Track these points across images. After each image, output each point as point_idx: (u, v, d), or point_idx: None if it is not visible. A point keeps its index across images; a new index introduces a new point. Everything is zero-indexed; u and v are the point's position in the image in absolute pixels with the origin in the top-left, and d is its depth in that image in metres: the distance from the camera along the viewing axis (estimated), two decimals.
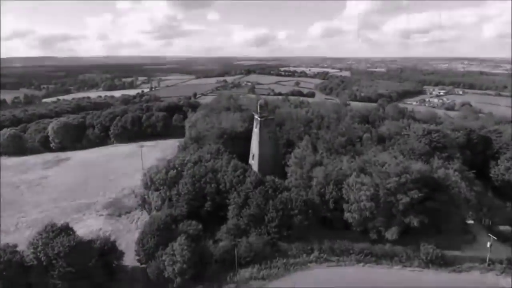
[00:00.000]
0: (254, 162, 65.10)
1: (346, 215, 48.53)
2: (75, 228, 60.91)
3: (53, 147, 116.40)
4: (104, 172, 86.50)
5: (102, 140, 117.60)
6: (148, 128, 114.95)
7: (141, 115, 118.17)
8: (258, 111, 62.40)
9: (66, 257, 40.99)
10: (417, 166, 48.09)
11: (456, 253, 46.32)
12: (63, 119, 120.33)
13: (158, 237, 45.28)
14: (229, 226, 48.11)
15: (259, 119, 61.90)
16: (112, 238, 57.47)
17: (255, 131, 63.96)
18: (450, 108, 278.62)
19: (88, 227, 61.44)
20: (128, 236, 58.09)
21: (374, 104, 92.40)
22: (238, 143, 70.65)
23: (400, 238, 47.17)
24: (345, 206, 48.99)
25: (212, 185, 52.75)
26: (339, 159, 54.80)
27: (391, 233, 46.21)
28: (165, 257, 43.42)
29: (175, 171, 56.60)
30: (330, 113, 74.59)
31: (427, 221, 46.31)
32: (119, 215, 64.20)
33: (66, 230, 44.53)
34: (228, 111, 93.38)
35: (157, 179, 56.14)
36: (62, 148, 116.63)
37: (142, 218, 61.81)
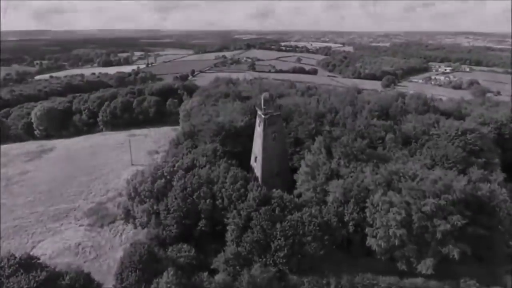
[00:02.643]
0: (257, 165, 56.01)
1: (370, 241, 40.06)
2: (50, 242, 54.10)
3: (38, 135, 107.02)
4: (89, 168, 77.61)
5: (90, 127, 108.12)
6: (140, 114, 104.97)
7: (132, 99, 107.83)
8: (262, 106, 52.54)
9: None
10: (461, 183, 38.98)
11: None
12: (47, 104, 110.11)
13: (140, 271, 36.96)
14: (227, 255, 39.65)
15: (263, 116, 52.17)
16: (92, 256, 50.17)
17: (258, 130, 54.40)
18: (457, 86, 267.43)
19: (64, 241, 53.27)
20: (110, 254, 49.98)
21: (391, 93, 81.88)
22: (238, 141, 61.25)
23: (434, 268, 38.96)
24: (368, 230, 40.44)
25: (207, 201, 43.94)
26: (359, 168, 45.59)
27: (426, 267, 37.86)
28: None
29: (163, 180, 47.61)
30: (345, 104, 64.56)
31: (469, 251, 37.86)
32: (101, 226, 55.88)
33: (27, 264, 36.01)
34: (227, 98, 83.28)
35: (143, 190, 47.26)
36: (47, 136, 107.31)
37: (127, 230, 53.56)
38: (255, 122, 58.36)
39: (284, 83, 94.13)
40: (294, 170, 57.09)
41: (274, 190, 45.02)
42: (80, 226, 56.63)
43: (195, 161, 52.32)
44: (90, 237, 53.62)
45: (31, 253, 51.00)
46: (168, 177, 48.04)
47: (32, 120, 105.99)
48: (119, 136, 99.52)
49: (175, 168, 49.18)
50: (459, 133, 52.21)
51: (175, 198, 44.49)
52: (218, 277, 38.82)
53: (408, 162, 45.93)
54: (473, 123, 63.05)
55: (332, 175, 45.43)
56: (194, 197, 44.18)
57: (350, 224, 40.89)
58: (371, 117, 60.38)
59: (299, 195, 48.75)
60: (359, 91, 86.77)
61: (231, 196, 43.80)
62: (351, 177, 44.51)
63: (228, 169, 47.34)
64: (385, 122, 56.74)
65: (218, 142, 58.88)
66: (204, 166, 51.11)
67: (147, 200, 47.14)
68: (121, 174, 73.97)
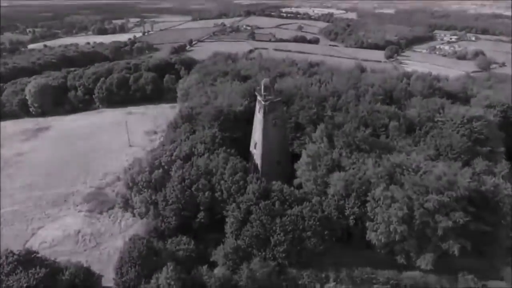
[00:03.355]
0: (256, 152, 54.88)
1: (370, 235, 39.80)
2: (49, 229, 54.12)
3: (33, 112, 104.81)
4: (87, 149, 76.47)
5: (86, 104, 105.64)
6: (137, 91, 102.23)
7: (128, 75, 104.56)
8: (262, 92, 50.49)
9: None
10: (465, 180, 38.02)
11: (502, 284, 38.52)
12: (41, 80, 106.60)
13: (139, 266, 36.94)
14: (227, 249, 39.50)
15: (263, 102, 50.29)
16: (92, 244, 50.33)
17: (258, 116, 52.69)
18: (462, 57, 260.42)
19: (64, 227, 53.26)
20: (110, 242, 50.11)
21: (396, 73, 78.96)
22: (237, 125, 59.74)
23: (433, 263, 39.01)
24: (369, 224, 40.07)
25: (206, 194, 43.22)
26: (362, 159, 44.48)
27: (425, 262, 37.87)
28: None
29: (161, 171, 46.67)
30: (348, 87, 62.30)
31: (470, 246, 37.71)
32: (101, 212, 55.67)
33: (26, 261, 35.81)
34: (226, 77, 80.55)
35: (140, 181, 46.44)
36: (43, 113, 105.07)
37: (126, 217, 53.35)
38: (254, 106, 56.55)
39: (285, 60, 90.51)
40: (295, 156, 56.18)
41: (274, 182, 44.21)
42: (79, 212, 56.46)
43: (193, 149, 51.12)
44: (89, 224, 53.57)
45: (31, 240, 51.99)
46: (166, 167, 47.08)
47: (27, 97, 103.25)
48: (116, 114, 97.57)
49: (173, 157, 48.08)
50: (465, 121, 50.57)
51: (173, 190, 43.75)
52: (218, 271, 38.96)
53: (412, 153, 44.76)
54: (479, 107, 61.70)
55: (334, 166, 44.43)
56: (192, 189, 43.41)
57: (351, 218, 40.42)
58: (374, 101, 58.41)
59: (299, 185, 48.06)
60: (363, 69, 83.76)
61: (230, 188, 43.05)
62: (353, 168, 43.53)
63: (227, 159, 46.23)
64: (389, 107, 54.89)
65: (217, 127, 57.31)
66: (203, 154, 50.00)
67: (145, 190, 46.38)
68: (119, 156, 73.03)
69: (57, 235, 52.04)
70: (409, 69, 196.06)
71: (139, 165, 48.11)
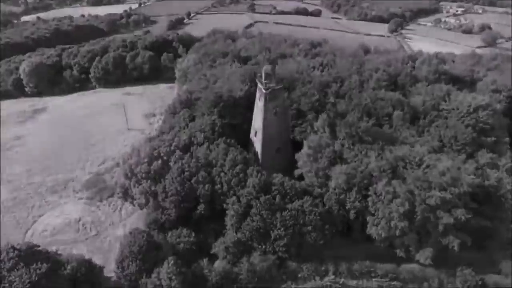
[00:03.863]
0: (257, 141, 53.98)
1: (371, 229, 39.76)
2: (50, 217, 54.14)
3: (29, 92, 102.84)
4: (84, 133, 75.38)
5: (82, 83, 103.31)
6: (134, 71, 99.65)
7: (124, 54, 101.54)
8: (263, 80, 48.83)
9: None
10: (469, 177, 37.43)
11: (499, 278, 38.92)
12: (35, 58, 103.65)
13: (140, 260, 37.13)
14: (227, 243, 39.59)
15: (264, 91, 48.76)
16: (93, 232, 50.57)
17: (259, 104, 51.30)
18: (468, 31, 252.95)
19: (65, 215, 53.34)
20: (111, 231, 50.34)
21: (401, 55, 76.46)
22: (237, 111, 58.37)
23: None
24: (369, 218, 39.94)
25: (206, 186, 42.78)
26: (364, 151, 43.70)
27: (425, 257, 38.07)
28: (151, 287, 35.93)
29: (160, 162, 45.97)
30: (351, 72, 60.37)
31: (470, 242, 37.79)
32: (100, 200, 55.56)
33: (27, 256, 35.83)
34: (225, 58, 78.09)
35: (139, 172, 45.88)
36: (39, 92, 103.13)
37: (126, 206, 53.22)
38: (255, 91, 55.02)
39: (286, 40, 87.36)
40: (295, 143, 55.39)
41: (274, 175, 43.64)
42: (79, 199, 56.37)
43: (192, 138, 50.18)
44: (89, 212, 53.61)
45: (32, 228, 52.24)
46: (165, 158, 46.33)
47: (21, 77, 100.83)
48: (113, 94, 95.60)
49: (172, 148, 47.23)
50: (471, 110, 49.28)
51: (173, 182, 43.27)
52: (218, 265, 39.27)
53: (415, 146, 43.90)
54: (485, 92, 60.27)
55: (335, 159, 43.73)
56: (192, 181, 42.92)
57: (352, 212, 40.23)
58: (378, 88, 56.78)
59: (300, 176, 47.59)
60: (367, 50, 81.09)
61: (230, 181, 42.58)
62: (355, 161, 42.86)
63: (227, 150, 45.42)
64: (393, 95, 53.30)
65: (216, 114, 56.00)
66: (202, 144, 49.13)
67: (144, 181, 45.92)
68: (118, 140, 72.21)
69: (58, 223, 52.19)
70: (413, 44, 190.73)
71: (138, 155, 47.33)
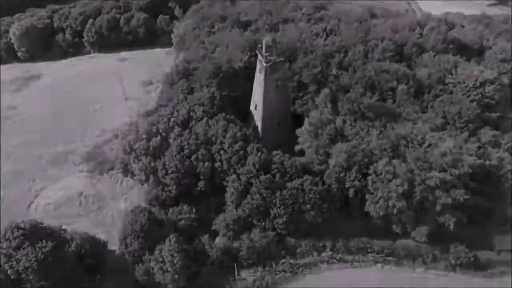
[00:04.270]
0: (257, 114, 53.08)
1: (369, 207, 40.25)
2: (52, 190, 54.74)
3: (21, 57, 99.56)
4: (81, 102, 73.82)
5: (76, 48, 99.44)
6: (128, 34, 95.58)
7: (118, 16, 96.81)
8: (264, 53, 46.85)
9: (37, 270, 34.51)
10: (471, 158, 37.11)
11: (492, 254, 40.09)
12: (25, 21, 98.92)
13: (142, 238, 38.00)
14: (227, 220, 40.27)
15: (264, 64, 46.98)
16: (96, 206, 51.41)
17: (259, 77, 49.68)
18: None
19: (67, 189, 54.05)
20: (113, 205, 51.23)
21: (409, 19, 72.45)
22: (236, 83, 56.72)
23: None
24: (368, 197, 40.30)
25: (206, 164, 42.64)
26: (366, 129, 43.05)
27: (420, 235, 38.99)
28: (153, 264, 37.13)
29: (159, 138, 45.46)
30: (356, 41, 57.73)
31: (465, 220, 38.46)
32: (101, 173, 55.85)
33: (32, 233, 36.49)
34: (224, 22, 74.44)
35: (138, 148, 45.53)
36: (31, 57, 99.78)
37: (127, 179, 53.52)
38: (255, 61, 53.14)
39: (288, 2, 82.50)
40: (296, 116, 54.61)
41: (274, 153, 43.33)
42: (80, 172, 56.67)
43: (191, 113, 49.22)
44: (91, 185, 54.15)
45: (35, 201, 53.02)
46: (163, 134, 45.74)
47: (12, 41, 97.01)
48: (109, 60, 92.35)
49: (170, 123, 46.46)
50: (477, 84, 47.82)
51: (172, 159, 43.10)
52: (219, 241, 40.26)
53: (418, 123, 43.15)
54: (494, 62, 58.30)
55: (336, 136, 43.15)
56: (192, 159, 42.72)
57: (351, 190, 40.48)
58: (383, 58, 54.67)
59: (301, 152, 47.35)
60: (373, 14, 76.77)
61: (230, 159, 42.35)
62: (356, 139, 42.35)
63: (227, 127, 44.67)
64: (398, 67, 51.37)
65: (215, 86, 54.44)
66: (201, 118, 48.28)
67: (144, 157, 45.72)
68: (115, 110, 70.95)
69: (60, 196, 52.92)
70: (422, 3, 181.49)
71: (136, 131, 46.69)
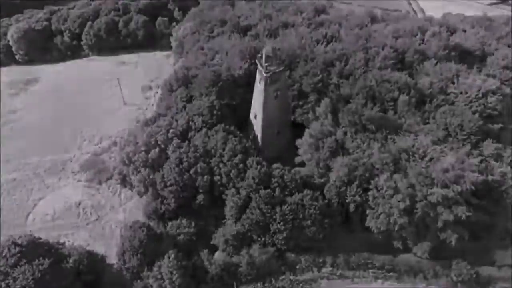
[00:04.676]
0: (256, 123, 52.56)
1: (370, 222, 39.85)
2: (50, 200, 54.23)
3: (19, 60, 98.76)
4: (80, 107, 73.29)
5: (75, 50, 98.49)
6: (127, 37, 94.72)
7: (117, 18, 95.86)
8: (264, 63, 46.22)
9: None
10: (474, 174, 36.61)
11: (493, 270, 39.73)
12: (23, 23, 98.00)
13: (141, 254, 37.64)
14: (227, 235, 39.87)
15: (264, 74, 46.37)
16: (94, 217, 51.01)
17: (259, 87, 49.09)
18: None
19: (65, 199, 53.57)
20: (111, 215, 50.81)
21: (411, 22, 71.31)
22: (236, 91, 56.26)
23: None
24: (369, 212, 39.88)
25: (205, 177, 42.18)
26: (367, 141, 42.52)
27: (422, 251, 38.69)
28: (152, 281, 36.82)
29: (157, 150, 44.97)
30: (357, 48, 57.03)
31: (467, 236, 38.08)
32: (99, 182, 55.38)
33: (29, 251, 36.12)
34: (224, 27, 73.64)
35: (137, 160, 45.06)
36: (30, 60, 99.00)
37: (125, 190, 53.06)
38: (254, 69, 52.61)
39: (289, 4, 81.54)
40: (296, 125, 54.16)
41: (274, 166, 42.86)
42: (78, 182, 56.22)
43: (190, 123, 48.72)
44: (89, 196, 53.70)
45: (33, 212, 52.63)
46: (162, 146, 45.24)
47: (10, 43, 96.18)
48: (107, 64, 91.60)
49: (169, 135, 45.94)
50: (480, 95, 47.27)
51: (171, 172, 42.62)
52: (218, 257, 39.88)
53: (420, 135, 42.63)
54: (496, 69, 57.78)
55: (337, 148, 42.65)
56: (191, 172, 42.24)
57: (352, 205, 40.06)
58: (385, 67, 54.01)
59: (301, 163, 46.93)
60: (374, 18, 75.78)
61: (229, 172, 41.88)
62: (357, 152, 41.85)
63: (226, 139, 44.12)
64: (399, 76, 50.71)
65: (215, 94, 53.82)
66: (200, 129, 47.80)
67: (142, 169, 45.26)
68: (114, 116, 70.43)
69: (58, 207, 52.47)
70: (424, 6, 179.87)
71: (134, 143, 46.18)
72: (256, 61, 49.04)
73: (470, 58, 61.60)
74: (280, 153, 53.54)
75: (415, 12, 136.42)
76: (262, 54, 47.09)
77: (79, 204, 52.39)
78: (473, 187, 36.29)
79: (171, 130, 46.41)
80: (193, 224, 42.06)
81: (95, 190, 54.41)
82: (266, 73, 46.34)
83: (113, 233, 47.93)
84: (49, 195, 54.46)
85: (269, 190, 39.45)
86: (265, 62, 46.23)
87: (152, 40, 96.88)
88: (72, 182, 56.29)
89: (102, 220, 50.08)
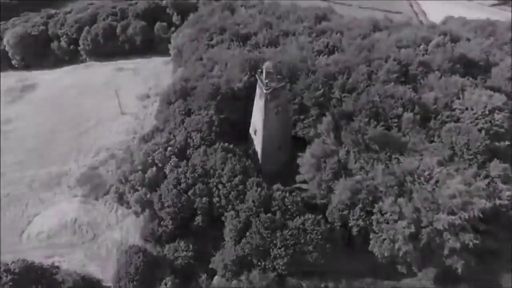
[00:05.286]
0: (256, 139, 51.33)
1: (373, 247, 38.69)
2: (45, 217, 52.96)
3: (16, 65, 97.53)
4: (76, 117, 71.98)
5: (72, 56, 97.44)
6: (125, 43, 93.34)
7: (115, 24, 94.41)
8: (264, 80, 44.90)
9: None
10: (482, 201, 35.40)
11: None
12: (20, 28, 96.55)
13: (137, 281, 36.51)
14: (226, 260, 38.71)
15: (264, 91, 45.05)
16: (90, 235, 49.85)
17: (259, 103, 47.80)
18: None
19: (60, 215, 52.24)
20: (108, 234, 49.56)
21: (414, 32, 69.60)
22: (236, 105, 55.06)
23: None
24: (373, 236, 38.69)
25: (203, 199, 40.98)
26: (371, 161, 41.32)
27: (427, 276, 37.47)
28: None
29: (154, 169, 43.74)
30: (359, 61, 55.70)
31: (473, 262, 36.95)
32: (96, 198, 54.12)
33: (22, 278, 34.97)
34: (223, 34, 72.20)
35: (133, 180, 43.84)
36: (26, 65, 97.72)
37: (122, 207, 51.83)
38: (254, 81, 51.26)
39: (290, 11, 80.00)
40: (297, 139, 53.06)
41: (275, 187, 41.68)
42: (74, 196, 54.97)
43: (188, 140, 47.48)
44: (85, 212, 52.38)
45: (28, 229, 51.46)
46: (159, 165, 44.01)
47: (7, 49, 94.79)
48: (105, 70, 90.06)
49: (167, 153, 44.69)
50: (486, 112, 46.00)
51: (169, 192, 41.42)
52: (217, 282, 38.78)
53: (424, 155, 41.42)
54: (501, 80, 56.66)
55: (340, 170, 41.42)
56: (189, 194, 41.04)
57: (355, 230, 38.90)
58: (388, 80, 52.70)
59: (303, 181, 45.81)
60: (376, 25, 74.34)
61: (229, 194, 40.66)
62: (360, 174, 40.64)
63: (226, 159, 42.85)
64: (403, 92, 49.38)
65: (214, 108, 52.53)
66: (199, 146, 46.56)
67: (139, 188, 44.05)
68: (111, 126, 68.99)
69: (53, 223, 51.24)
70: (422, 3, 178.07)
71: (131, 163, 44.95)
72: (256, 76, 47.71)
73: (475, 69, 60.26)
74: (280, 168, 52.54)
75: (416, 14, 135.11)
76: (262, 70, 45.79)
77: (75, 221, 51.14)
78: (481, 215, 35.07)
79: (169, 148, 45.17)
80: (191, 247, 40.83)
81: (91, 206, 53.17)
82: (267, 89, 45.01)
83: (110, 253, 46.80)
84: (44, 211, 53.25)
85: (269, 215, 38.19)
86: (266, 78, 44.89)
87: (150, 46, 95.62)
88: (68, 197, 55.03)
89: (98, 239, 48.86)
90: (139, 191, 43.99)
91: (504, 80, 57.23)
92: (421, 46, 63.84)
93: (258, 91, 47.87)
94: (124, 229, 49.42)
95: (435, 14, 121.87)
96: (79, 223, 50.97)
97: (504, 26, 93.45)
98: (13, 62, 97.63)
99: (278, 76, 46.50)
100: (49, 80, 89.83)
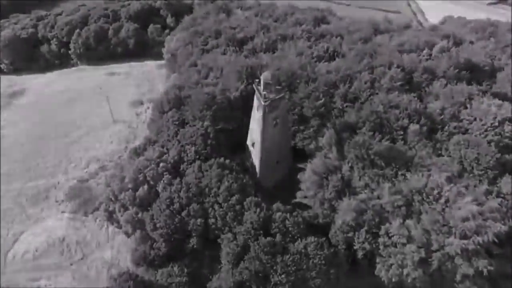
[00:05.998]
0: (254, 152, 48.67)
1: (380, 272, 36.34)
2: (32, 235, 50.01)
3: (5, 70, 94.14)
4: (66, 125, 69.03)
5: (63, 59, 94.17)
6: (118, 46, 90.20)
7: (107, 26, 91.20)
8: (262, 91, 42.25)
9: None
10: (496, 225, 33.07)
11: None
12: (9, 31, 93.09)
13: None
14: (223, 287, 36.16)
15: (262, 102, 42.40)
16: (79, 255, 47.12)
17: (257, 115, 45.14)
18: None
19: (48, 233, 49.45)
20: (98, 254, 46.81)
21: (417, 36, 66.99)
22: (232, 115, 52.36)
23: None
24: (379, 260, 36.32)
25: (198, 220, 38.37)
26: (376, 178, 38.87)
27: None
28: None
29: (146, 187, 41.04)
30: (361, 68, 53.21)
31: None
32: (85, 214, 51.35)
33: None
34: (218, 38, 69.44)
35: (123, 198, 41.14)
36: (15, 69, 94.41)
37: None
38: (251, 90, 48.55)
39: (287, 15, 77.21)
40: (297, 150, 50.59)
41: (274, 208, 39.09)
42: (62, 213, 52.12)
43: (182, 154, 44.81)
44: (74, 230, 49.59)
45: (14, 248, 48.60)
46: (151, 182, 41.32)
47: None
48: (96, 74, 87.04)
49: (159, 169, 42.00)
50: (496, 123, 43.72)
51: (161, 213, 38.79)
52: None
53: (433, 172, 39.00)
54: (507, 86, 54.58)
55: (343, 188, 38.96)
56: (183, 214, 38.43)
57: (360, 253, 36.52)
58: (392, 88, 50.29)
59: (305, 197, 43.32)
60: (376, 28, 71.81)
61: (225, 215, 38.10)
62: (365, 192, 38.20)
63: (222, 176, 40.22)
64: (408, 102, 47.00)
65: (209, 119, 49.89)
66: (193, 161, 43.92)
67: (130, 207, 41.38)
68: (103, 136, 66.12)
69: (40, 242, 48.38)
70: (422, 3, 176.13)
71: (121, 178, 42.20)
72: (254, 86, 45.02)
73: (479, 74, 58.09)
74: (280, 181, 50.10)
75: (414, 14, 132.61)
76: (260, 80, 43.15)
77: (63, 239, 48.36)
78: (496, 239, 32.78)
79: (161, 164, 42.48)
80: (185, 271, 38.25)
81: (80, 223, 50.38)
82: (265, 101, 42.36)
83: (100, 274, 44.18)
84: (30, 228, 50.38)
85: (269, 238, 35.72)
86: (264, 89, 42.23)
87: (143, 49, 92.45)
88: (56, 212, 52.18)
89: (87, 260, 46.12)
90: (130, 210, 41.24)
91: (510, 86, 55.16)
92: (424, 51, 61.54)
93: (255, 102, 45.21)
94: (115, 248, 46.73)
95: (433, 13, 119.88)
96: (67, 241, 48.20)
97: (504, 26, 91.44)
98: (2, 66, 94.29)
99: (277, 87, 43.80)
100: (39, 85, 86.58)
